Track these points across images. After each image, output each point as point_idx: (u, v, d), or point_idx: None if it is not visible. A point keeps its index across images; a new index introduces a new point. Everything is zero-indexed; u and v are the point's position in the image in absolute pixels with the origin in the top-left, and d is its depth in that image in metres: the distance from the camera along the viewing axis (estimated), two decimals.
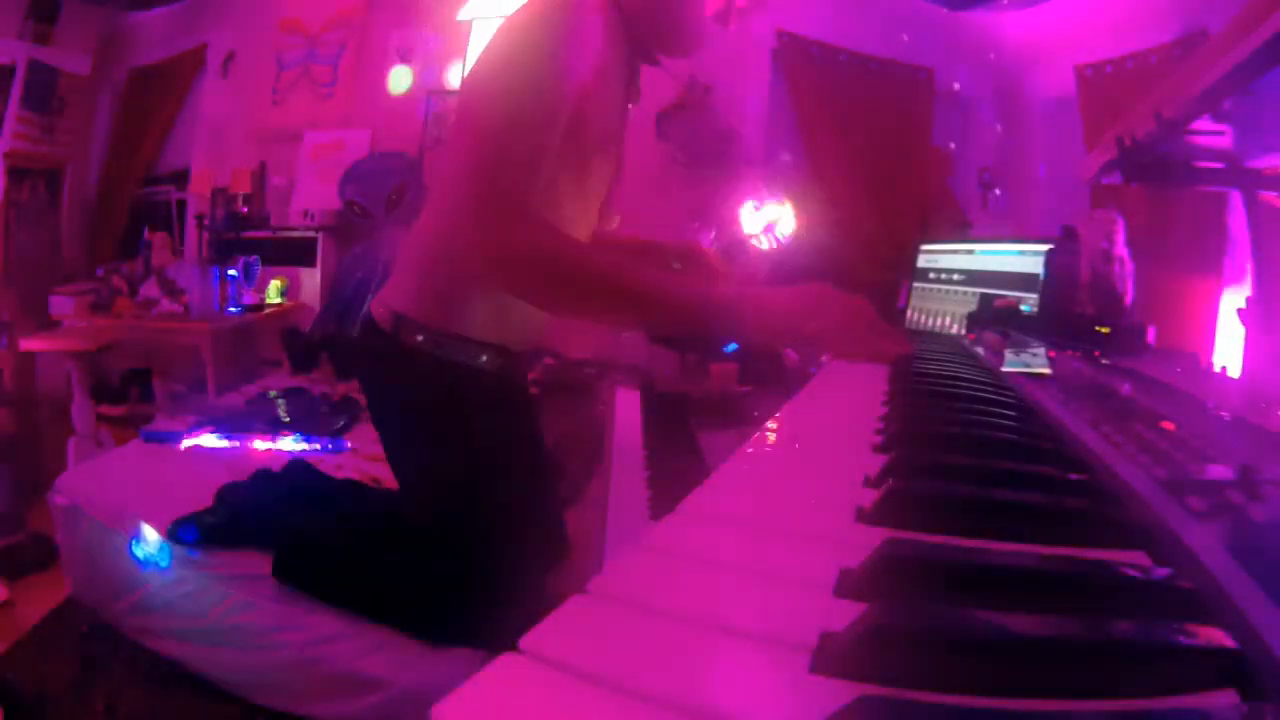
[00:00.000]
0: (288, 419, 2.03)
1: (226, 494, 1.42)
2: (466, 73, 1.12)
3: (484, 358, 1.02)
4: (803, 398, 0.69)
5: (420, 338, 0.99)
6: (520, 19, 0.89)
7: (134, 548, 1.36)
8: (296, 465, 1.64)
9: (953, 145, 3.05)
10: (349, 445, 1.92)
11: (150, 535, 1.34)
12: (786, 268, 1.81)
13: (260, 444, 1.88)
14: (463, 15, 3.13)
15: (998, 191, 2.97)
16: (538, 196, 0.83)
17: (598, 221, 1.10)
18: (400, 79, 3.26)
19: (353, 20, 3.38)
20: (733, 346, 1.87)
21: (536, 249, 0.81)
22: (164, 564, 1.33)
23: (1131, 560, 0.33)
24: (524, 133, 0.83)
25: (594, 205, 1.06)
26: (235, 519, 1.33)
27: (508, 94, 0.85)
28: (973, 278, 2.04)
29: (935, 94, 2.99)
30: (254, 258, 3.11)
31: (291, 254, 3.27)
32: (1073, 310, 1.42)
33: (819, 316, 0.82)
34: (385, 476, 1.69)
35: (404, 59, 3.30)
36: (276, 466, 1.61)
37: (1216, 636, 0.25)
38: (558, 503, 1.25)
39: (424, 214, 1.06)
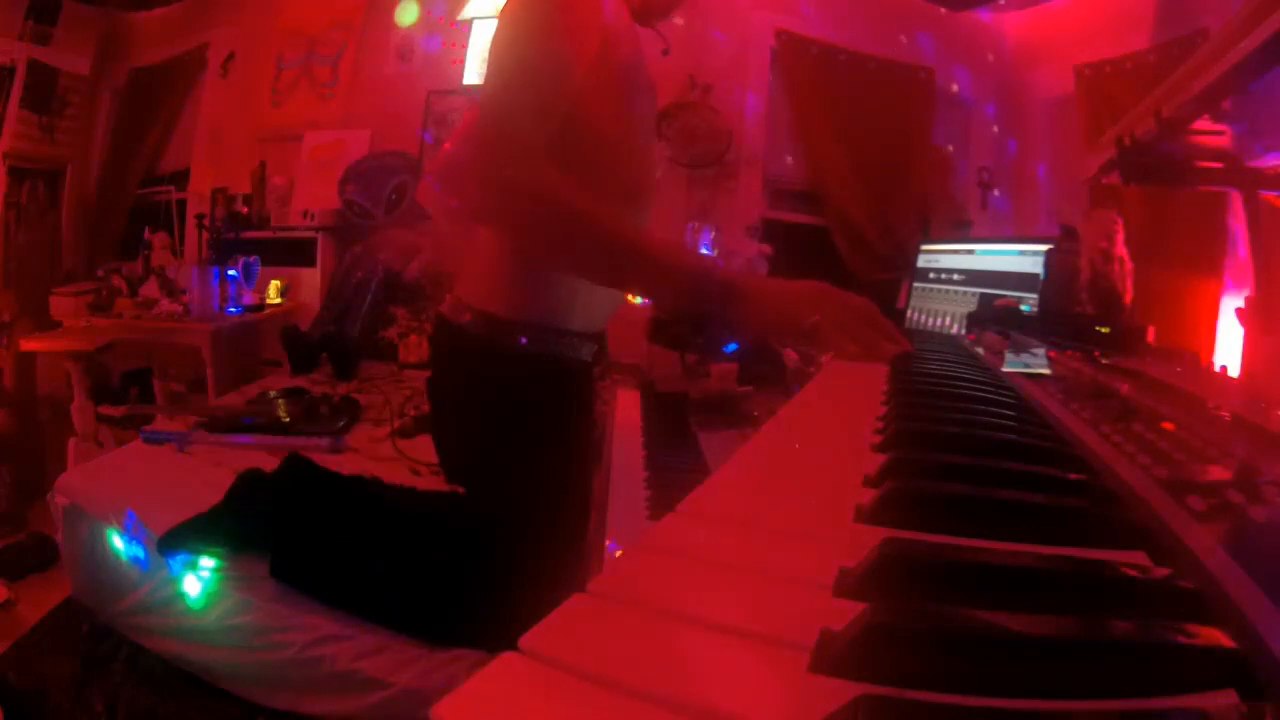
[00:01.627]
0: (288, 419, 2.02)
1: (235, 493, 1.40)
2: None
3: (585, 350, 1.01)
4: (803, 398, 0.69)
5: (524, 339, 0.96)
6: None
7: (111, 538, 1.36)
8: (295, 461, 1.62)
9: (953, 145, 3.05)
10: (350, 445, 1.92)
11: (132, 530, 1.35)
12: None
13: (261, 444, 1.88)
14: (463, 15, 3.14)
15: (997, 192, 2.97)
16: (546, 142, 0.82)
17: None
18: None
19: (353, 20, 3.38)
20: (733, 346, 1.87)
21: (535, 186, 0.79)
22: (143, 556, 1.33)
23: (1131, 560, 0.33)
24: (531, 80, 0.82)
25: (646, 141, 1.04)
26: (228, 527, 1.31)
27: (515, 44, 0.85)
28: (973, 278, 2.04)
29: (935, 94, 2.99)
30: (254, 258, 3.11)
31: (291, 254, 3.27)
32: (1073, 310, 1.42)
33: (819, 310, 0.81)
34: (385, 476, 1.69)
35: (404, 59, 3.30)
36: (269, 468, 1.59)
37: (1216, 636, 0.25)
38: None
39: None
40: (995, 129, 3.07)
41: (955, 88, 3.04)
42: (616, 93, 0.93)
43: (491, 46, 0.90)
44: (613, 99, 0.92)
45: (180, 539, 1.29)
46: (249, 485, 1.41)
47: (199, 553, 1.29)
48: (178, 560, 1.29)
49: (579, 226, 0.82)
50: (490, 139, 0.81)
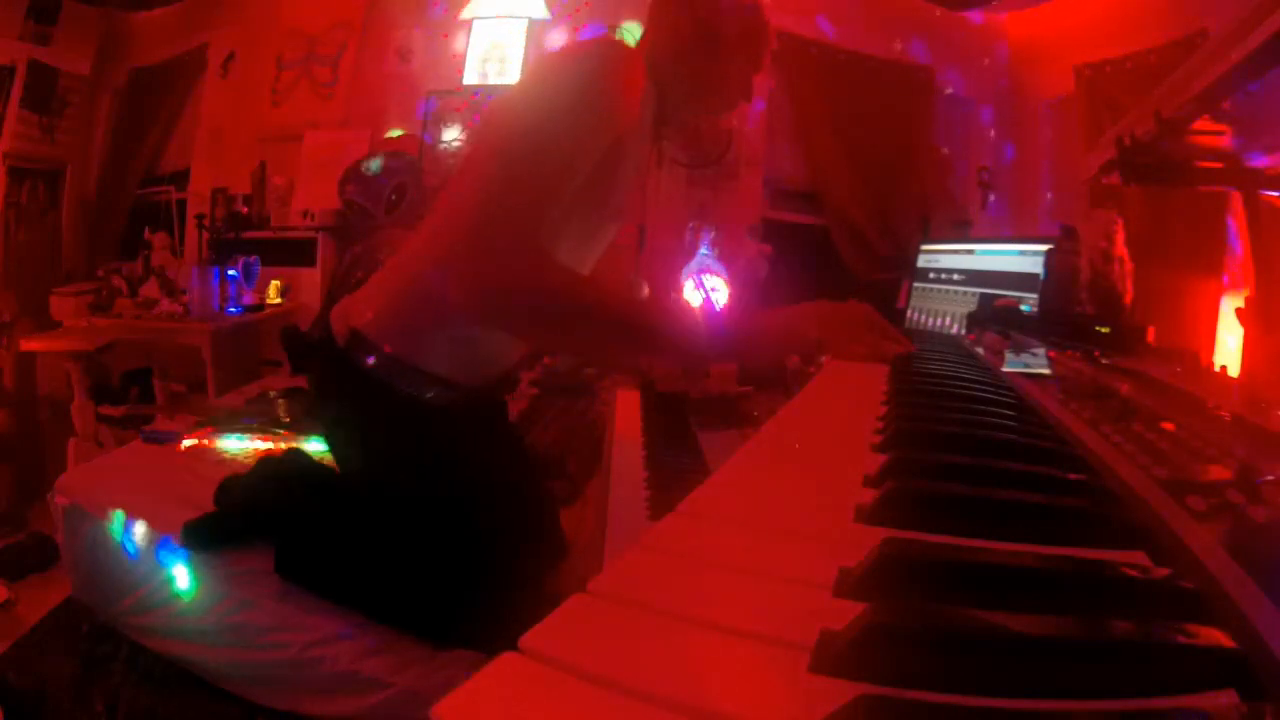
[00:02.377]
0: (288, 419, 2.02)
1: (228, 487, 1.41)
2: (482, 108, 1.17)
3: (430, 393, 1.02)
4: (803, 398, 0.69)
5: (371, 360, 0.99)
6: (560, 61, 0.90)
7: (111, 538, 1.36)
8: (297, 454, 1.61)
9: (952, 145, 3.05)
10: None
11: (137, 529, 1.35)
12: None
13: (261, 444, 1.88)
14: (463, 15, 3.13)
15: (993, 196, 2.97)
16: (545, 233, 0.83)
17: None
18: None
19: (353, 20, 3.38)
20: None
21: (540, 282, 0.81)
22: (134, 551, 1.34)
23: (1131, 560, 0.33)
24: (545, 169, 0.83)
25: (591, 262, 1.07)
26: (236, 518, 1.33)
27: (535, 129, 0.85)
28: (973, 278, 2.04)
29: (935, 94, 2.99)
30: (254, 258, 3.11)
31: (291, 254, 3.27)
32: (1073, 310, 1.42)
33: (822, 324, 0.84)
34: None
35: (404, 59, 3.30)
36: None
37: (1216, 636, 0.25)
38: (538, 508, 1.25)
39: (416, 237, 1.07)
40: (995, 129, 3.07)
41: (955, 88, 3.04)
42: (600, 195, 0.94)
43: (512, 111, 0.90)
44: (595, 199, 0.94)
45: (199, 534, 1.30)
46: (247, 488, 1.41)
47: (215, 548, 1.30)
48: (180, 556, 1.29)
49: (580, 316, 0.84)
50: (495, 221, 0.81)
